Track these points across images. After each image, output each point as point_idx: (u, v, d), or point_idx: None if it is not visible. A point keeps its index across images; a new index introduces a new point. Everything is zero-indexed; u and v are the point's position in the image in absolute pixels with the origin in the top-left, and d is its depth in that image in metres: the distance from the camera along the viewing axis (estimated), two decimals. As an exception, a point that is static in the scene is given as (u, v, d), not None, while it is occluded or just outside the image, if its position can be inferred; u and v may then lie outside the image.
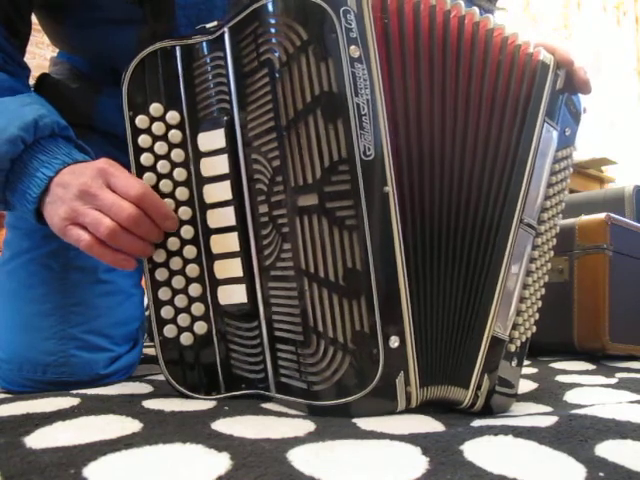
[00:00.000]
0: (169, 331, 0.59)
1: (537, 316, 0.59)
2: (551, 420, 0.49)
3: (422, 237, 0.54)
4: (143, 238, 0.56)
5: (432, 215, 0.55)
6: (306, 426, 0.48)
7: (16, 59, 0.68)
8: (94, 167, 0.56)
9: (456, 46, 0.56)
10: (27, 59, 0.72)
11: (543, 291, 0.60)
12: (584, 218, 1.02)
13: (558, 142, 0.60)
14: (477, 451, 0.41)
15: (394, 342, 0.52)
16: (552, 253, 0.61)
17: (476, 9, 0.57)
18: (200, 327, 0.59)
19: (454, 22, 0.56)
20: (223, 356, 0.59)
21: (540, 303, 0.60)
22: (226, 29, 0.56)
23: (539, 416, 0.53)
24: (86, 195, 0.55)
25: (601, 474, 0.36)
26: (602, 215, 1.00)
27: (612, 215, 1.00)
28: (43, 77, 0.80)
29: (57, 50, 0.85)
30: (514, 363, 0.57)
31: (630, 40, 4.64)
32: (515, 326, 0.57)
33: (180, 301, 0.59)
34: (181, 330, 0.59)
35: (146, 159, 0.59)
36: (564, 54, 0.60)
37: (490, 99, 0.57)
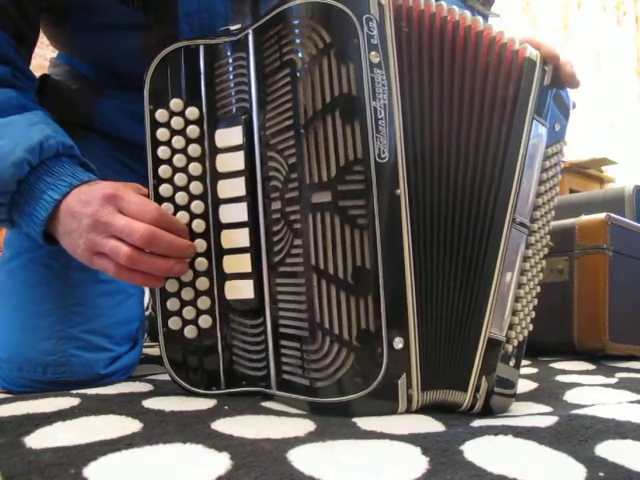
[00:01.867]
0: (174, 323, 0.59)
1: (533, 314, 0.59)
2: (551, 420, 0.49)
3: (426, 240, 0.55)
4: (167, 256, 0.55)
5: (438, 218, 0.55)
6: (306, 426, 0.48)
7: (24, 71, 0.68)
8: (101, 194, 0.56)
9: (462, 56, 0.57)
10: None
11: (538, 289, 0.60)
12: (584, 218, 1.02)
13: (548, 138, 0.60)
14: (477, 451, 0.41)
15: (398, 343, 0.52)
16: (546, 250, 0.61)
17: (480, 18, 0.57)
18: (205, 321, 0.60)
19: (461, 32, 0.57)
20: (226, 351, 0.59)
21: (536, 301, 0.59)
22: (250, 31, 0.57)
23: (539, 416, 0.53)
24: (99, 224, 0.55)
25: (601, 474, 0.36)
26: (602, 215, 1.00)
27: (612, 215, 1.00)
28: (44, 78, 0.80)
29: (57, 51, 0.85)
30: (512, 363, 0.57)
31: (630, 40, 4.64)
32: (511, 326, 0.57)
33: (186, 294, 0.59)
34: (185, 323, 0.60)
35: (163, 152, 0.60)
36: (550, 49, 0.60)
37: (484, 101, 0.57)
